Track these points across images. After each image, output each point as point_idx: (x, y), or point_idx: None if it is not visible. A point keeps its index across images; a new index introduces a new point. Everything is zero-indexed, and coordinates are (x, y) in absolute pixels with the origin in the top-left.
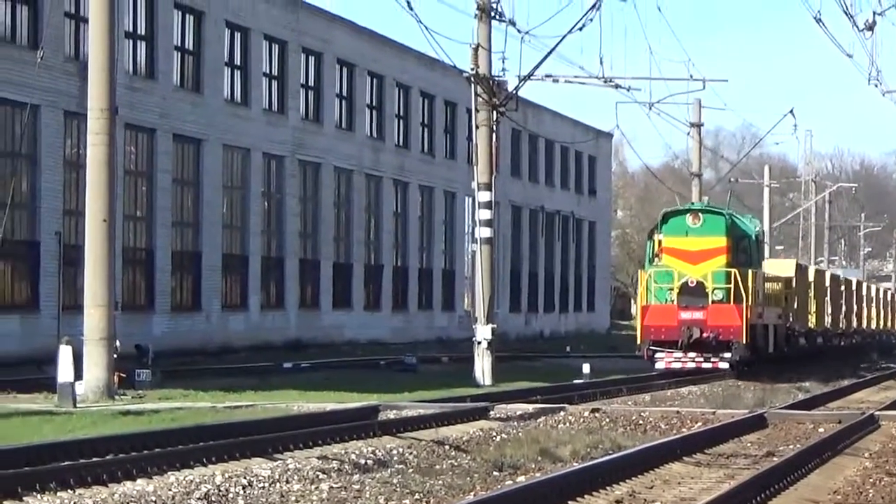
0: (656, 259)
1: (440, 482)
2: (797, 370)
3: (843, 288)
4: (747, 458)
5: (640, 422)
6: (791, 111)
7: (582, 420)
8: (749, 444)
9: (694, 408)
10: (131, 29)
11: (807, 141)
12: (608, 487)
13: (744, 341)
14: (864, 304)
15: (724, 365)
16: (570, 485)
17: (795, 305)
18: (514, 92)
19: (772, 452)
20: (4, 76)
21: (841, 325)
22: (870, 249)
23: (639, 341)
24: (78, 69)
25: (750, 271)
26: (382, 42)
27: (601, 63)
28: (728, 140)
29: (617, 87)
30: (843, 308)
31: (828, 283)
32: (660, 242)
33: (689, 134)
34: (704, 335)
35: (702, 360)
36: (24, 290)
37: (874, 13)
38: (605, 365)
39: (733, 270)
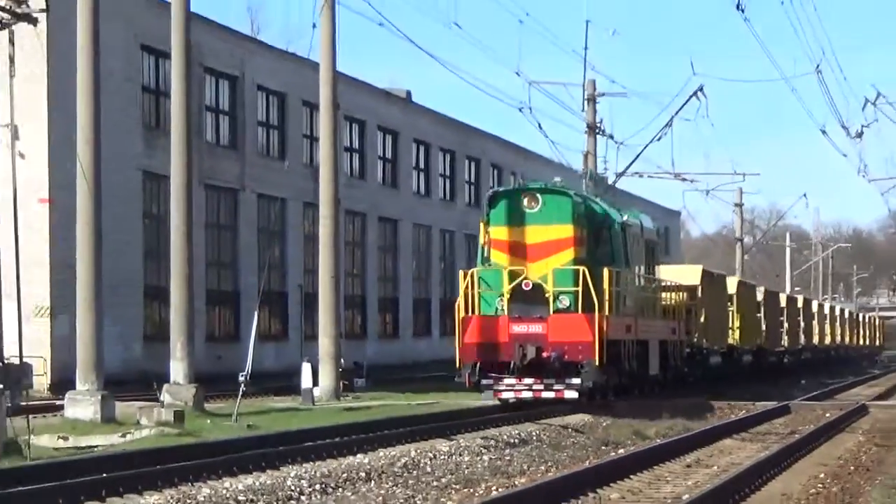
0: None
1: (565, 454)
2: (670, 404)
3: (784, 305)
4: (777, 436)
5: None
6: (804, 195)
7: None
8: (778, 426)
9: (740, 401)
10: (349, 144)
11: (815, 214)
12: (681, 457)
13: (597, 362)
14: (816, 322)
15: (571, 394)
16: (656, 455)
17: (703, 319)
18: (613, 184)
19: (794, 431)
20: (264, 179)
21: (783, 342)
22: (860, 289)
23: (458, 365)
24: (312, 173)
25: (607, 270)
26: (525, 153)
27: (672, 163)
28: (760, 214)
29: (684, 179)
30: (786, 325)
31: (761, 297)
32: (488, 233)
33: (733, 211)
34: (545, 355)
35: (541, 387)
36: (277, 325)
37: (862, 126)
38: None
39: (582, 268)
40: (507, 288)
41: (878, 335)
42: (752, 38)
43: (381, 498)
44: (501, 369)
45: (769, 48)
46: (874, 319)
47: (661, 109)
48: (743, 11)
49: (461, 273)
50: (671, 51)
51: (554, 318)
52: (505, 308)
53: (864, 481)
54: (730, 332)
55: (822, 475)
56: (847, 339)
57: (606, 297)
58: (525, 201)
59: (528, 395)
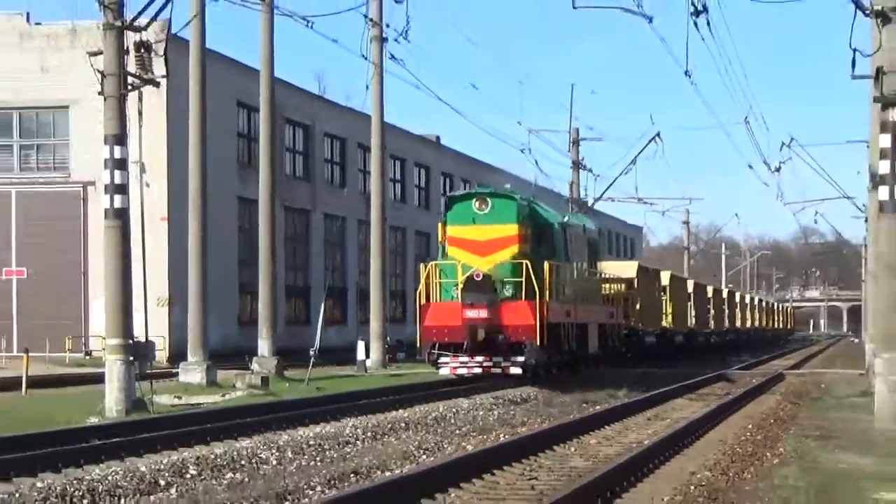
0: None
1: (555, 410)
2: (599, 380)
3: (711, 295)
4: (716, 396)
5: (660, 378)
6: (736, 214)
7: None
8: (717, 389)
9: (687, 369)
10: (392, 176)
11: (744, 229)
12: (644, 412)
13: (538, 342)
14: (739, 309)
15: (515, 370)
16: (625, 410)
17: (638, 306)
18: (591, 206)
19: (728, 393)
20: (329, 202)
21: (710, 325)
22: (777, 286)
23: (419, 344)
24: (365, 198)
25: (547, 263)
26: (525, 183)
27: (636, 190)
28: (703, 229)
29: (645, 203)
30: (712, 311)
31: (691, 289)
32: (446, 232)
33: (682, 226)
34: (493, 336)
35: (490, 364)
36: (339, 312)
37: (779, 163)
38: None
39: (524, 262)
40: (461, 278)
41: (789, 320)
42: (697, 96)
43: (417, 442)
44: (456, 348)
45: (710, 103)
46: (787, 308)
47: (628, 150)
48: (690, 76)
49: (422, 266)
50: (636, 105)
51: (501, 305)
52: (459, 296)
53: (781, 431)
54: (663, 316)
55: (749, 426)
56: (765, 323)
57: (547, 286)
58: (476, 204)
59: (478, 370)
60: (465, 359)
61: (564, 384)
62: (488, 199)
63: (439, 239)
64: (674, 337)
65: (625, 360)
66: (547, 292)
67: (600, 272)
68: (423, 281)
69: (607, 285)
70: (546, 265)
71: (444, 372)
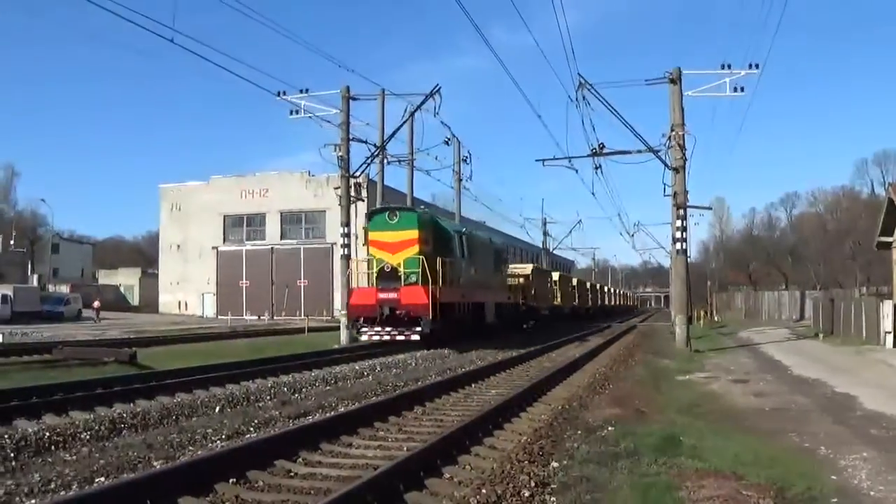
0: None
1: (523, 348)
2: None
3: (588, 286)
4: (605, 335)
5: (574, 328)
6: (615, 255)
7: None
8: (608, 332)
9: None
10: None
11: (618, 261)
12: (575, 342)
13: (430, 317)
14: (605, 296)
15: (415, 337)
16: (560, 344)
17: (533, 292)
18: (552, 251)
19: (610, 334)
20: None
21: (588, 304)
22: (633, 285)
23: (346, 319)
24: None
25: (440, 258)
26: (526, 244)
27: (571, 243)
28: (600, 260)
29: (574, 250)
30: (589, 296)
31: (574, 283)
32: (368, 236)
33: (591, 261)
34: (398, 312)
35: (396, 332)
36: None
37: (634, 232)
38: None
39: (421, 257)
40: (375, 270)
41: (637, 302)
42: (597, 203)
43: (479, 356)
44: (371, 321)
45: (603, 206)
46: (634, 295)
47: (568, 228)
48: (594, 195)
49: (349, 261)
50: (570, 207)
51: (404, 289)
52: (374, 282)
53: (636, 350)
54: (553, 298)
55: (623, 348)
56: (622, 303)
57: (440, 276)
58: (388, 216)
59: (388, 337)
60: (379, 328)
61: (464, 345)
62: (397, 212)
63: (363, 241)
64: (562, 310)
65: (519, 328)
66: (440, 280)
67: (504, 270)
68: (349, 272)
69: (511, 279)
70: (439, 260)
71: (364, 339)
